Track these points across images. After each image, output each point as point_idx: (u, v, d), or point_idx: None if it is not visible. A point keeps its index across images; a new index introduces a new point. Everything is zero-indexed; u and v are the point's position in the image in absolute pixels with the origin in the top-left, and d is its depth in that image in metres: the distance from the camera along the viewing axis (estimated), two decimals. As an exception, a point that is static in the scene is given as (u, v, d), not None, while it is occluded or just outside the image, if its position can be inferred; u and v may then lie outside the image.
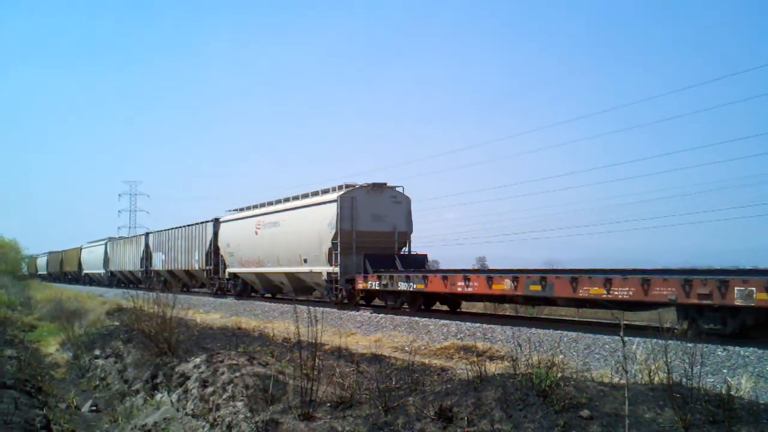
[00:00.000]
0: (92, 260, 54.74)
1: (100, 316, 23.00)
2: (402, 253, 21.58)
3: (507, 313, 17.50)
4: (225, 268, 29.21)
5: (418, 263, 21.20)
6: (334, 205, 20.62)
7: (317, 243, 21.42)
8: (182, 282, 36.22)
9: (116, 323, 19.29)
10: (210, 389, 9.30)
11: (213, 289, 30.59)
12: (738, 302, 10.17)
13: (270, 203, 26.19)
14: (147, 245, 40.91)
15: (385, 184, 21.70)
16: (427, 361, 10.23)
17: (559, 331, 12.15)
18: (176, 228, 35.89)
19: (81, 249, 59.27)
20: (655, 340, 7.80)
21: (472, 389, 6.58)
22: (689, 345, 6.43)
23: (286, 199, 24.91)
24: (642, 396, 5.88)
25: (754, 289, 9.99)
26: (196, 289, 35.30)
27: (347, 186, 21.41)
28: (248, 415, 7.95)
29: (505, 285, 14.65)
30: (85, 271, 57.74)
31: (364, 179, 23.26)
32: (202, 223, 32.14)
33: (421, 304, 18.18)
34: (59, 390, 13.64)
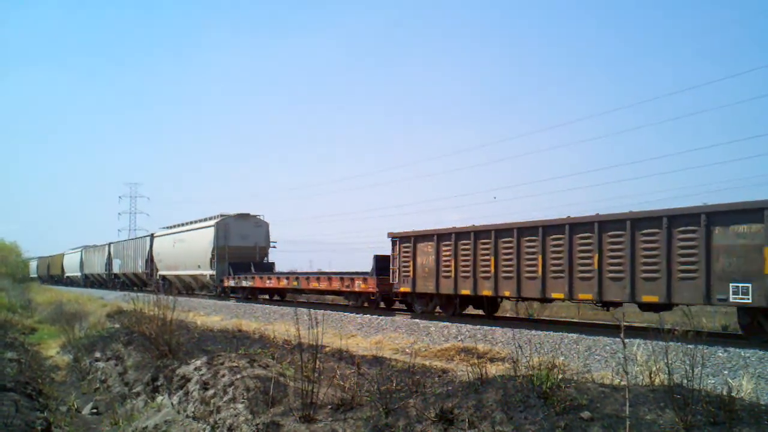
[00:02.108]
0: (71, 265, 62.73)
1: (100, 318, 23.03)
2: (264, 261, 31.53)
3: (507, 315, 17.50)
4: (157, 271, 38.48)
5: (268, 268, 30.09)
6: (212, 229, 31.01)
7: (204, 254, 31.51)
8: (132, 281, 44.83)
9: (117, 326, 19.31)
10: (211, 391, 9.29)
11: (151, 289, 35.22)
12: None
13: (182, 224, 36.32)
14: (109, 252, 49.74)
15: (249, 213, 32.13)
16: (427, 363, 10.24)
17: (559, 333, 12.15)
18: (128, 240, 48.04)
19: (63, 255, 67.51)
20: (655, 341, 7.81)
21: (472, 391, 6.58)
22: (690, 346, 6.43)
23: (189, 222, 35.16)
24: (643, 397, 5.88)
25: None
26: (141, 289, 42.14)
27: (222, 215, 31.75)
28: (249, 417, 7.95)
29: (283, 281, 25.08)
30: (66, 274, 65.04)
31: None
32: (143, 237, 43.44)
33: (255, 295, 28.50)
34: (60, 393, 13.64)
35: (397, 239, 18.42)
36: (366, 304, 20.27)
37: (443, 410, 6.33)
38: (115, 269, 47.96)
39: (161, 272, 37.64)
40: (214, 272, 30.45)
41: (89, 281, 56.52)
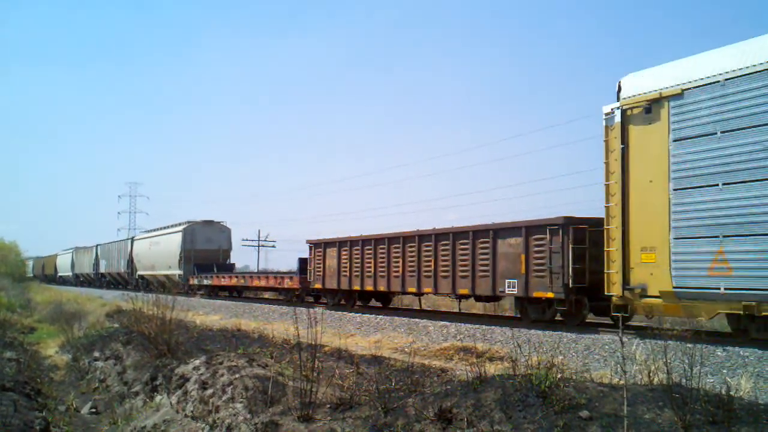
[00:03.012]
0: (64, 265, 67.02)
1: (99, 318, 23.02)
2: (226, 262, 36.08)
3: (507, 314, 17.53)
4: (136, 271, 43.09)
5: (229, 269, 34.43)
6: (180, 234, 35.74)
7: (174, 256, 36.08)
8: (116, 280, 49.06)
9: (116, 325, 19.30)
10: (209, 391, 9.29)
11: (131, 287, 40.97)
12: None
13: (157, 229, 41.87)
14: (97, 254, 54.23)
15: (213, 220, 37.34)
16: (426, 362, 10.23)
17: (558, 332, 12.15)
18: (112, 242, 51.91)
19: (57, 256, 71.94)
20: (654, 340, 7.80)
21: (471, 390, 6.58)
22: (689, 345, 6.43)
23: (163, 228, 40.54)
24: (641, 396, 5.88)
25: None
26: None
27: (189, 222, 36.57)
28: (248, 416, 7.95)
29: (234, 280, 29.17)
30: (59, 274, 69.06)
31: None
32: (125, 240, 49.00)
33: (216, 292, 31.25)
34: (59, 392, 13.63)
35: (312, 245, 21.99)
36: (294, 299, 23.66)
37: (442, 409, 6.33)
38: (102, 269, 52.50)
39: (140, 272, 42.30)
40: (181, 272, 34.87)
41: (79, 280, 60.47)
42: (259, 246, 62.55)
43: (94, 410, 11.93)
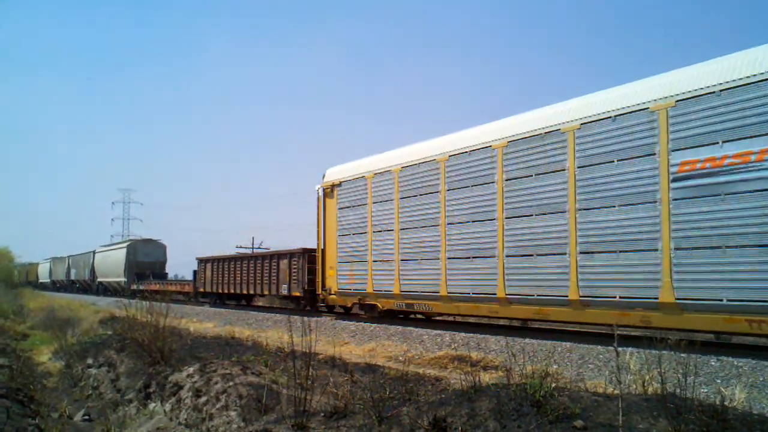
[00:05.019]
0: (44, 272, 77.01)
1: (92, 324, 22.89)
2: (162, 272, 45.64)
3: (501, 323, 17.55)
4: (97, 278, 52.53)
5: (163, 277, 43.49)
6: (125, 249, 46.07)
7: (121, 266, 45.92)
8: (84, 287, 57.22)
9: (109, 332, 19.20)
10: (203, 399, 9.26)
11: (94, 291, 52.56)
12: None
13: (110, 245, 53.47)
14: (69, 263, 63.22)
15: (152, 239, 48.21)
16: (421, 370, 10.21)
17: (553, 341, 12.15)
18: (80, 254, 59.63)
19: (38, 264, 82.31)
20: (649, 350, 7.81)
21: (466, 399, 6.57)
22: (683, 355, 6.45)
23: (114, 244, 52.81)
24: (636, 406, 5.88)
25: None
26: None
27: (132, 239, 50.12)
28: (241, 424, 7.92)
29: (157, 286, 35.45)
30: (40, 280, 78.16)
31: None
32: (89, 252, 55.75)
33: (152, 296, 33.61)
34: (51, 399, 13.53)
35: (199, 260, 32.83)
36: (191, 299, 33.60)
37: (436, 418, 6.32)
38: (72, 276, 61.90)
39: (99, 279, 52.09)
40: (126, 279, 44.55)
41: (56, 286, 69.90)
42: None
43: (87, 417, 11.86)
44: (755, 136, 9.75)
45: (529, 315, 13.66)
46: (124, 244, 47.21)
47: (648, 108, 11.18)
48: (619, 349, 6.53)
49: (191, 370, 10.51)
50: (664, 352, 6.53)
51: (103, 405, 12.45)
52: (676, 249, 10.67)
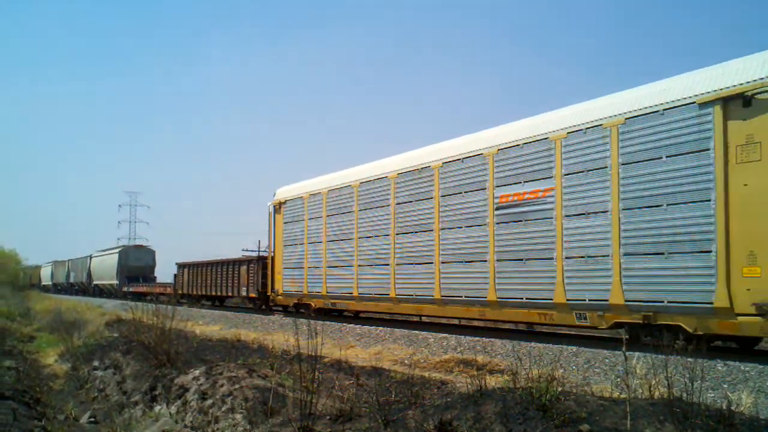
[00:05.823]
0: (45, 275, 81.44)
1: (99, 327, 22.95)
2: (151, 276, 49.46)
3: (507, 327, 17.53)
4: (93, 281, 56.55)
5: (151, 280, 47.46)
6: (117, 255, 49.76)
7: (113, 270, 49.63)
8: (82, 289, 60.82)
9: (115, 334, 19.25)
10: (209, 401, 9.27)
11: (90, 293, 56.67)
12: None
13: (104, 250, 56.03)
14: (68, 267, 66.57)
15: (143, 245, 54.83)
16: (426, 374, 10.20)
17: (559, 345, 12.13)
18: (78, 258, 63.33)
19: (41, 267, 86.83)
20: (655, 354, 7.79)
21: (472, 403, 6.57)
22: (689, 360, 6.42)
23: (108, 249, 55.60)
24: (642, 410, 5.87)
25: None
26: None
27: (124, 246, 55.14)
28: (247, 427, 7.93)
29: (145, 288, 40.41)
30: (42, 283, 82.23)
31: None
32: (86, 257, 59.50)
33: (141, 298, 33.40)
34: (58, 401, 13.58)
35: (178, 266, 36.33)
36: (172, 300, 37.02)
37: (442, 422, 6.32)
38: (72, 279, 65.39)
39: (95, 281, 55.82)
40: (118, 282, 48.22)
41: (57, 289, 73.35)
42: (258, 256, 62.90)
43: (93, 420, 11.89)
44: (536, 180, 13.40)
45: (412, 311, 17.28)
46: (117, 250, 50.94)
47: (482, 154, 14.69)
48: (626, 353, 6.51)
49: (197, 372, 10.52)
50: (670, 356, 6.51)
51: (109, 407, 12.48)
52: (498, 261, 14.15)
